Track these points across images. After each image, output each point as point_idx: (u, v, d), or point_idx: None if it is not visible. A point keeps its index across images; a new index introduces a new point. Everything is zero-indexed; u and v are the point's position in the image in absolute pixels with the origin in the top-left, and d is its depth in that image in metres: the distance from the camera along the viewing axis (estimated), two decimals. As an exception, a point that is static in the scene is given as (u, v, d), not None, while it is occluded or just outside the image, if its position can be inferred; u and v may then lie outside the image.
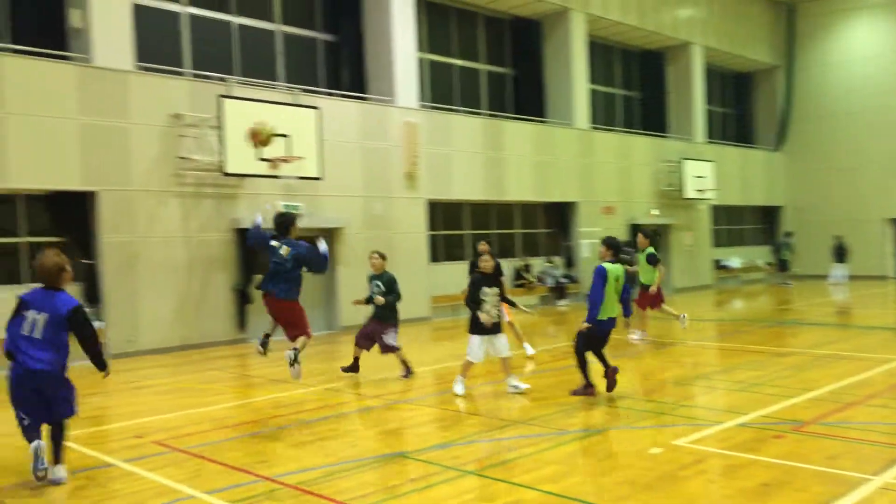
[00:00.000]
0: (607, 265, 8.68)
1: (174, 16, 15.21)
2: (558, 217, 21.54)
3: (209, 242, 14.07)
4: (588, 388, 8.68)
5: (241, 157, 13.38)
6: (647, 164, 23.72)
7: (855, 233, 26.68)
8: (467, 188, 18.71)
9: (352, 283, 15.34)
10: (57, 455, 6.00)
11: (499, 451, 6.68)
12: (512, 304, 9.54)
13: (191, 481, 5.95)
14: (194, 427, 7.87)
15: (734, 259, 27.55)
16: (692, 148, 25.20)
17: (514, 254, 20.49)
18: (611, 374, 8.54)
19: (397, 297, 10.06)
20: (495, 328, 8.85)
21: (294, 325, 9.22)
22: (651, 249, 12.91)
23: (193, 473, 6.19)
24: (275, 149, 13.70)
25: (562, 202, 21.23)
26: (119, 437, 7.59)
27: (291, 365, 9.03)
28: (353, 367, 10.29)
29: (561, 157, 20.85)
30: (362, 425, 8.06)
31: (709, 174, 24.78)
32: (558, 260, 21.39)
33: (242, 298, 14.33)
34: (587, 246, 21.23)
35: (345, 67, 17.69)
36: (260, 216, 9.62)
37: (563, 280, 20.67)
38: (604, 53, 24.65)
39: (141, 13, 14.21)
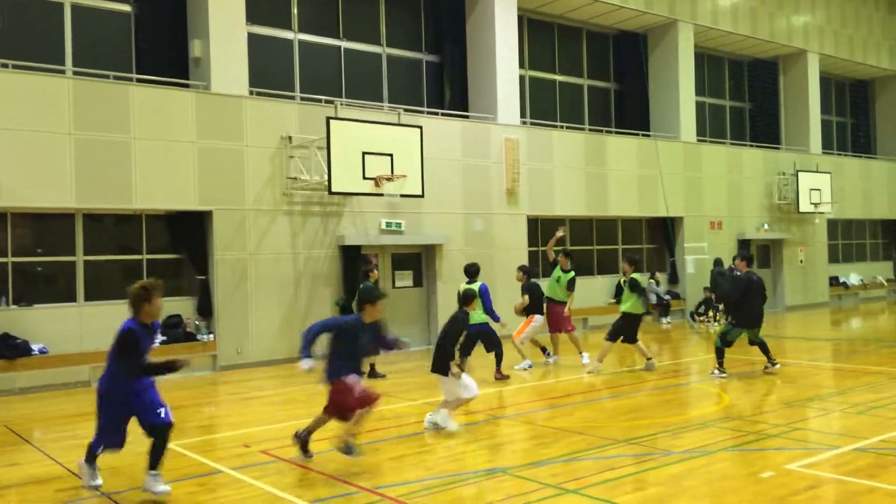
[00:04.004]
0: None
1: (287, 43, 15.89)
2: (662, 232, 20.99)
3: (315, 259, 14.54)
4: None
5: (346, 176, 13.77)
6: (758, 177, 22.78)
7: None
8: (568, 203, 18.52)
9: (450, 300, 15.41)
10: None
11: (600, 469, 6.55)
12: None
13: (294, 490, 6.13)
14: (300, 437, 8.09)
15: (852, 275, 25.99)
16: (807, 159, 24.03)
17: (616, 270, 20.07)
18: None
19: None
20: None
21: None
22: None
23: (297, 483, 6.38)
24: (379, 167, 14.03)
25: (666, 217, 20.69)
26: (228, 446, 7.92)
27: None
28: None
29: (666, 171, 20.34)
30: (462, 440, 8.08)
31: (825, 186, 23.54)
32: (662, 276, 20.81)
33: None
34: (693, 262, 20.56)
35: (448, 86, 17.96)
36: None
37: (666, 297, 20.08)
38: (712, 64, 23.93)
39: (255, 41, 14.94)
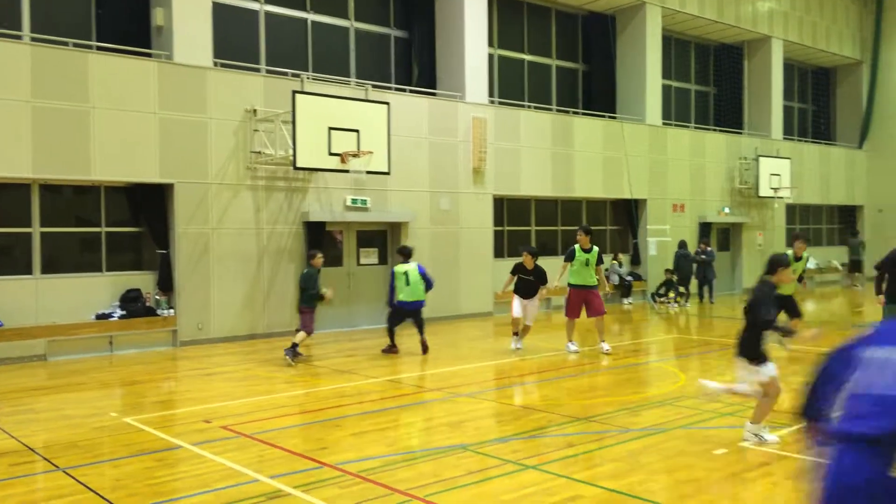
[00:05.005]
0: None
1: (252, 14, 15.59)
2: (626, 214, 21.21)
3: (279, 234, 14.41)
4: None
5: (311, 152, 13.64)
6: (720, 162, 23.10)
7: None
8: (534, 184, 18.60)
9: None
10: None
11: (559, 446, 6.65)
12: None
13: (255, 465, 6.12)
14: (260, 414, 8.09)
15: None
16: (768, 145, 24.42)
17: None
18: None
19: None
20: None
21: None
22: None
23: (258, 458, 6.37)
24: (345, 143, 13.92)
25: (630, 199, 20.90)
26: (188, 421, 7.87)
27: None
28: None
29: (631, 153, 20.52)
30: (423, 417, 8.14)
31: (785, 172, 23.97)
32: (624, 257, 21.06)
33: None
34: (655, 244, 20.83)
35: (416, 63, 17.83)
36: None
37: (628, 278, 20.35)
38: (678, 47, 24.10)
39: (220, 11, 14.63)
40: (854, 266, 25.02)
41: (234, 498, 5.35)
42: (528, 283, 11.98)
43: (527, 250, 12.15)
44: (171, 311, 13.20)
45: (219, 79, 13.78)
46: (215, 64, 13.95)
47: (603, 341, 11.81)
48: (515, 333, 12.27)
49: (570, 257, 11.88)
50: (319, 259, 11.80)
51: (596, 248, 11.90)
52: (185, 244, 13.31)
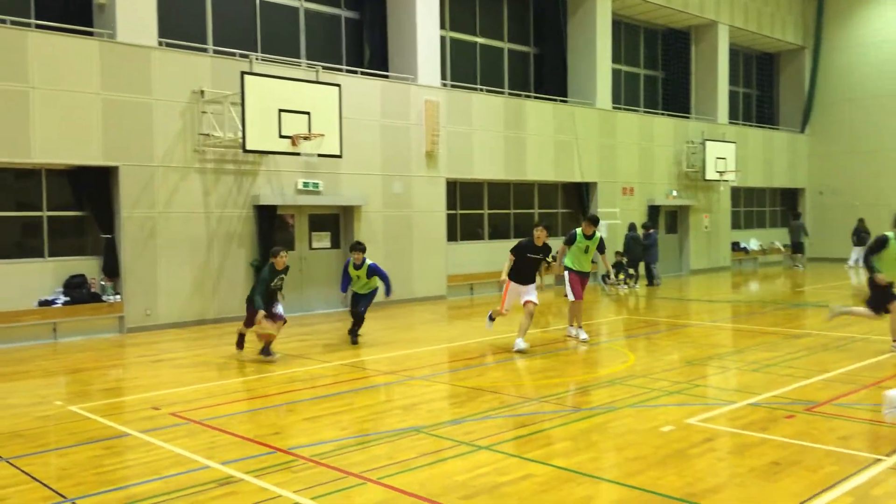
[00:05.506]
0: None
1: (196, -8, 15.23)
2: (577, 197, 21.44)
3: (228, 218, 14.19)
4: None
5: (261, 134, 13.44)
6: (668, 145, 23.50)
7: (876, 215, 26.30)
8: (487, 167, 18.66)
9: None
10: None
11: (512, 427, 6.73)
12: None
13: (206, 452, 6.06)
14: (211, 400, 8.00)
15: (752, 241, 27.31)
16: (715, 129, 24.92)
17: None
18: None
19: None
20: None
21: None
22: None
23: (208, 444, 6.30)
24: (295, 125, 13.74)
25: (581, 182, 21.13)
26: (137, 409, 7.73)
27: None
28: None
29: (581, 137, 20.72)
30: (376, 401, 8.14)
31: (730, 156, 24.51)
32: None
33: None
34: (605, 227, 21.13)
35: (367, 45, 17.65)
36: None
37: (581, 261, 20.60)
38: (628, 32, 24.37)
39: (163, -11, 14.26)
40: (796, 247, 25.79)
41: (185, 484, 5.29)
42: (533, 265, 10.64)
43: (542, 226, 10.78)
44: (118, 296, 12.92)
45: (164, 59, 13.45)
46: (160, 44, 13.60)
47: (581, 327, 11.54)
48: (492, 318, 11.23)
49: (570, 240, 11.60)
50: (283, 258, 10.15)
51: (598, 235, 11.53)
52: (130, 228, 13.02)
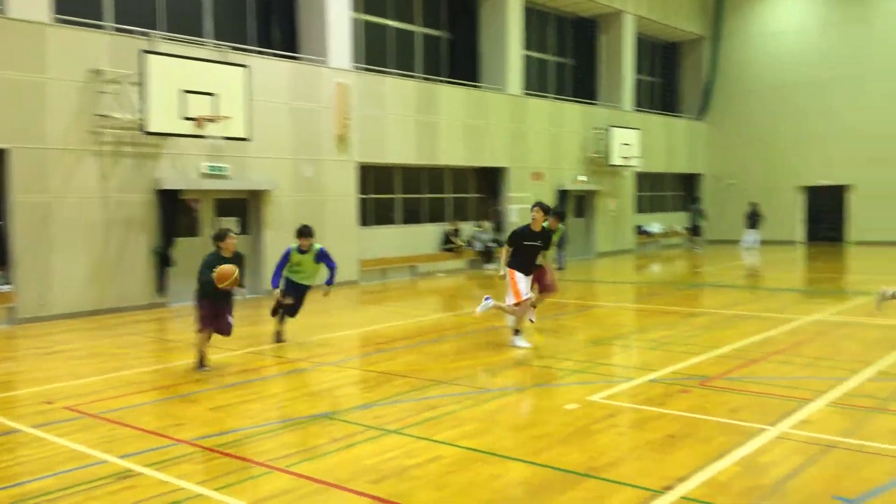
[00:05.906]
0: None
1: (91, -35, 14.49)
2: (489, 182, 21.67)
3: (128, 203, 13.64)
4: None
5: (163, 116, 12.95)
6: (576, 132, 24.01)
7: (769, 200, 27.76)
8: (399, 152, 18.59)
9: (279, 248, 15.11)
10: None
11: (421, 410, 6.78)
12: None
13: (103, 446, 5.84)
14: (109, 392, 7.70)
15: (654, 224, 28.33)
16: (620, 116, 25.62)
17: (445, 218, 20.55)
18: None
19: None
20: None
21: None
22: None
23: (106, 438, 6.08)
24: (200, 107, 13.31)
25: (492, 167, 21.35)
26: (28, 403, 7.36)
27: None
28: None
29: (493, 122, 20.92)
30: (286, 388, 8.04)
31: (634, 142, 25.28)
32: (487, 224, 21.56)
33: (163, 261, 13.98)
34: (516, 211, 21.45)
35: (276, 26, 17.23)
36: None
37: (491, 244, 20.87)
38: (538, 19, 24.69)
39: (54, -39, 13.50)
40: (694, 230, 26.89)
41: (81, 480, 5.09)
42: (533, 252, 9.33)
43: (540, 206, 9.32)
44: (8, 286, 12.25)
45: (59, 36, 12.76)
46: (55, 20, 12.89)
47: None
48: (517, 332, 9.51)
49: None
50: (232, 241, 8.55)
51: (561, 227, 10.61)
52: (22, 214, 12.35)
